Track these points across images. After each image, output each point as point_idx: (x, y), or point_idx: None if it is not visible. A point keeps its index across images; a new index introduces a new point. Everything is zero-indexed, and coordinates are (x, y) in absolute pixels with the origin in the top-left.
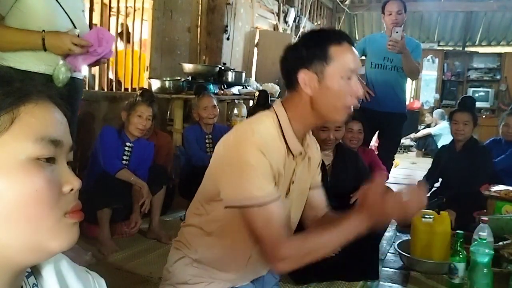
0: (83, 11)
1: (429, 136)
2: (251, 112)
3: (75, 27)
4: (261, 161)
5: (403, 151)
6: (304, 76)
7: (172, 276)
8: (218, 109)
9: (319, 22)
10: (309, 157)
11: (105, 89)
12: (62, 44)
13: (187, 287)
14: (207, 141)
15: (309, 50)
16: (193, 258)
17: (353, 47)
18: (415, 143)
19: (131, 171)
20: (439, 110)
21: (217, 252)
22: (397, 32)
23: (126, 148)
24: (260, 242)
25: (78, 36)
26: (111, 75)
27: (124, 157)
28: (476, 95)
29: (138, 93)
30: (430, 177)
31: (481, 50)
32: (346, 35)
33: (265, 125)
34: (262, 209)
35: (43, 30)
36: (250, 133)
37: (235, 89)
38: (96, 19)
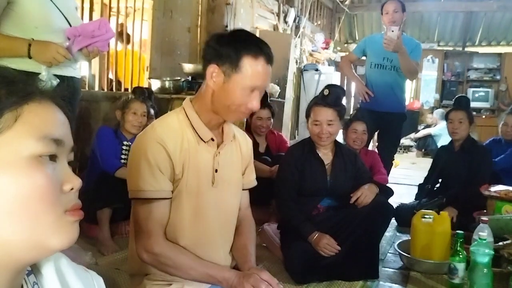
0: (76, 8)
1: (429, 136)
2: None
3: (70, 25)
4: (158, 155)
5: (403, 151)
6: (213, 70)
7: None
8: None
9: (319, 22)
10: (234, 139)
11: (105, 89)
12: (48, 52)
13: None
14: None
15: (226, 50)
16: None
17: (268, 65)
18: (415, 143)
19: None
20: (440, 110)
21: None
22: (392, 31)
23: (124, 147)
24: (138, 232)
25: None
26: (111, 75)
27: (123, 156)
28: (476, 95)
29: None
30: (430, 178)
31: (481, 50)
32: (267, 52)
33: (168, 119)
34: (146, 203)
35: (32, 38)
36: (150, 128)
37: None
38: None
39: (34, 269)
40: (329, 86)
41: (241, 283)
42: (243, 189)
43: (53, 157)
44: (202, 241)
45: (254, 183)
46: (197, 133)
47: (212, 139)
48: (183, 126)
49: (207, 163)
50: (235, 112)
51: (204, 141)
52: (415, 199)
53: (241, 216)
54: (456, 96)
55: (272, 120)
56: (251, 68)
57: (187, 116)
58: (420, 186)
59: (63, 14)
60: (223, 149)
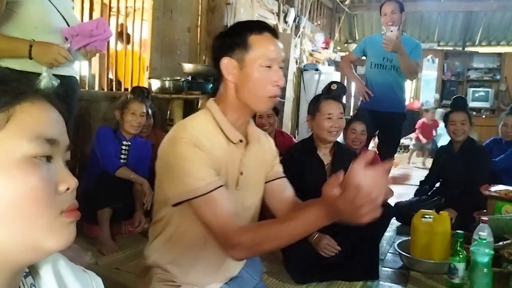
0: (72, 8)
1: None
2: None
3: (68, 25)
4: (197, 153)
5: (403, 151)
6: (226, 63)
7: None
8: None
9: (319, 22)
10: (258, 141)
11: (105, 89)
12: (49, 53)
13: None
14: None
15: (231, 38)
16: (159, 269)
17: (275, 39)
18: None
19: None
20: (440, 110)
21: (178, 253)
22: (391, 31)
23: (123, 147)
24: (211, 230)
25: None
26: (111, 75)
27: (122, 156)
28: (476, 95)
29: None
30: (429, 179)
31: (481, 50)
32: (269, 27)
33: (197, 120)
34: (206, 198)
35: (33, 39)
36: (181, 129)
37: None
38: None
39: (32, 270)
40: (334, 82)
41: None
42: (273, 179)
43: (48, 157)
44: (212, 247)
45: (281, 172)
46: (225, 134)
47: (241, 141)
48: (214, 127)
49: (234, 165)
50: (263, 98)
51: (234, 143)
52: (414, 195)
53: (294, 204)
54: (454, 97)
55: (276, 118)
56: (260, 43)
57: (214, 118)
58: (421, 182)
59: (61, 14)
60: (249, 151)
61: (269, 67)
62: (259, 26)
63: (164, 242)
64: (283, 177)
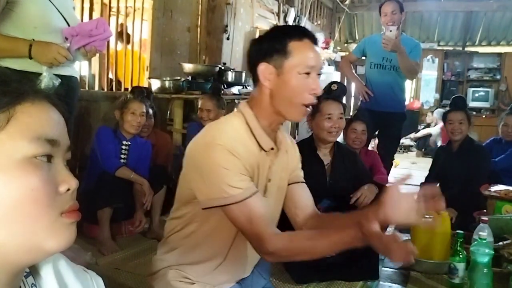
0: (73, 8)
1: (429, 136)
2: None
3: (68, 25)
4: (232, 161)
5: (403, 151)
6: (264, 69)
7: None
8: (214, 111)
9: (319, 22)
10: (286, 151)
11: (105, 89)
12: (49, 53)
13: None
14: None
15: (270, 43)
16: (175, 265)
17: (315, 46)
18: (415, 143)
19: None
20: (440, 110)
21: (198, 252)
22: (390, 31)
23: (123, 147)
24: (247, 237)
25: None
26: (111, 75)
27: (122, 156)
28: (476, 95)
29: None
30: (429, 178)
31: (481, 50)
32: (310, 33)
33: (233, 125)
34: (241, 205)
35: (33, 39)
36: (217, 135)
37: (235, 89)
38: None
39: (32, 270)
40: (335, 82)
41: (368, 224)
42: (292, 183)
43: (48, 158)
44: (236, 250)
45: (301, 177)
46: (257, 141)
47: (272, 148)
48: (247, 133)
49: (264, 172)
50: (298, 106)
51: (265, 150)
52: None
53: (312, 213)
54: (453, 97)
55: None
56: (299, 50)
57: (247, 123)
58: (422, 185)
59: (61, 14)
60: (277, 158)
61: (308, 74)
62: (299, 32)
63: (181, 238)
64: (303, 182)
